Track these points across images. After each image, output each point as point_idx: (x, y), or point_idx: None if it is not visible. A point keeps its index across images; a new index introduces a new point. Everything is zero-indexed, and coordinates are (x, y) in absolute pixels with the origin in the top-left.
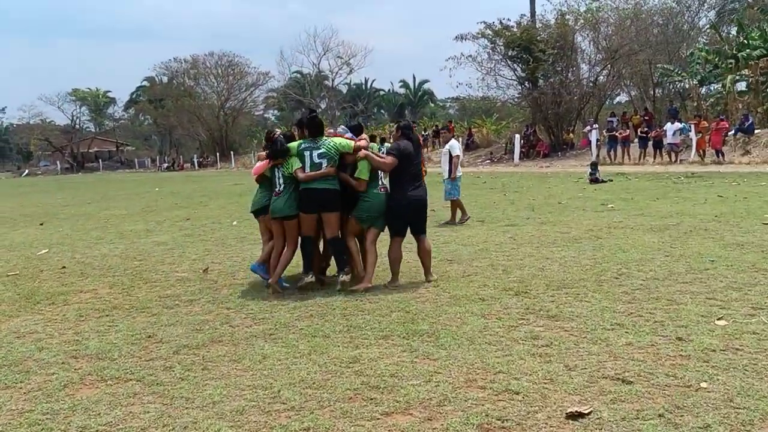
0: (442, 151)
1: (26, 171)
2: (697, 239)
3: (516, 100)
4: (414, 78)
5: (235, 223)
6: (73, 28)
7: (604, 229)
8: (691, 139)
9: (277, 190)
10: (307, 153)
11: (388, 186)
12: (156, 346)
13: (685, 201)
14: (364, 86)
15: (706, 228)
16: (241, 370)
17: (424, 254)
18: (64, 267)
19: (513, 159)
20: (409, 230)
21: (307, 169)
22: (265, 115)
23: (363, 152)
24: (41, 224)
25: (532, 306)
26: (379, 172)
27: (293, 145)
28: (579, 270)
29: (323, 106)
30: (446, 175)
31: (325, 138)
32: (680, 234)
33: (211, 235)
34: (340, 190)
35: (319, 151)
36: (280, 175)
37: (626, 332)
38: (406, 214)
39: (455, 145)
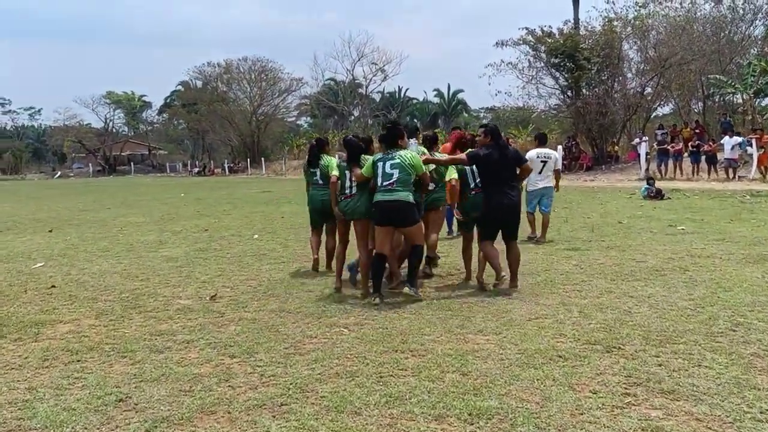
0: None
1: (59, 173)
2: None
3: (555, 110)
4: (448, 87)
5: (256, 236)
6: (112, 33)
7: (686, 258)
8: (749, 155)
9: (347, 192)
10: (380, 164)
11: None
12: (124, 418)
13: (766, 225)
14: (397, 94)
15: None
16: None
17: (512, 260)
18: (53, 286)
19: None
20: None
21: (379, 180)
22: (298, 122)
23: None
24: (50, 231)
25: (635, 371)
26: (468, 176)
27: (372, 158)
28: (678, 316)
29: (356, 113)
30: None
31: (399, 149)
32: None
33: (228, 251)
34: (413, 203)
35: (393, 161)
36: (352, 178)
37: None
38: (494, 219)
39: (528, 155)
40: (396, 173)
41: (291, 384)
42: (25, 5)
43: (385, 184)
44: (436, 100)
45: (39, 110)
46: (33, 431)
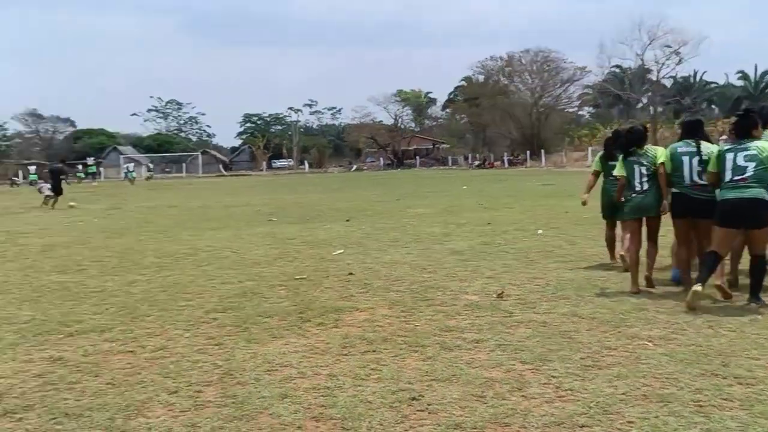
0: None
1: (354, 166)
2: None
3: None
4: (755, 68)
5: (540, 231)
6: (404, 35)
7: None
8: None
9: (638, 188)
10: (729, 155)
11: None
12: (418, 418)
13: None
14: (692, 79)
15: None
16: None
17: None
18: (351, 273)
19: None
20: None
21: (727, 173)
22: (579, 112)
23: None
24: (347, 221)
25: None
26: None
27: (718, 149)
28: None
29: (644, 101)
30: None
31: (753, 140)
32: None
33: (512, 246)
34: (767, 201)
35: (747, 152)
36: (643, 172)
37: None
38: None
39: None
40: (751, 167)
41: (592, 402)
42: (331, 18)
43: (735, 178)
44: (740, 83)
45: (339, 110)
46: (334, 420)
